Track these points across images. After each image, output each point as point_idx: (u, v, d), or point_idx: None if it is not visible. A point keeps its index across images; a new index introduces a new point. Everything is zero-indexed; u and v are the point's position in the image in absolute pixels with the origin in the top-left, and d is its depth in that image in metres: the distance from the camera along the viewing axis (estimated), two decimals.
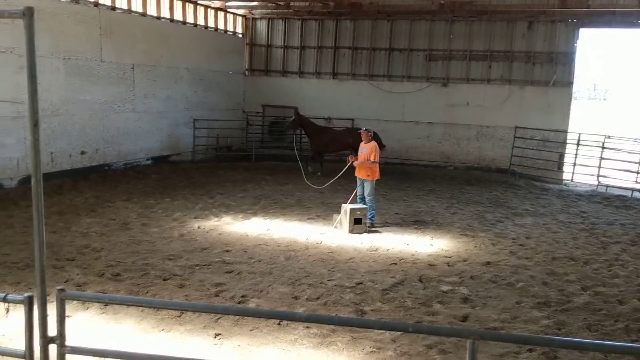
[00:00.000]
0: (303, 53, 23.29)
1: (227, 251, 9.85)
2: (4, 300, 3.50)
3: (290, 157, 21.43)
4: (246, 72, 23.86)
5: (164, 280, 8.24)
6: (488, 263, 9.78)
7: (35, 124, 3.14)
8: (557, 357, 6.32)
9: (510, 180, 19.18)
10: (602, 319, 7.46)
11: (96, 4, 16.08)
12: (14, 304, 3.58)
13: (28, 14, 2.90)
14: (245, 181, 16.64)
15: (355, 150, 17.53)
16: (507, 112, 20.68)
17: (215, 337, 6.42)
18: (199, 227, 11.40)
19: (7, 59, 13.20)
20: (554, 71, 20.38)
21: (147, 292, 7.71)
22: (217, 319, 6.85)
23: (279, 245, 10.34)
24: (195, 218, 12.14)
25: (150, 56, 18.11)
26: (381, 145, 15.58)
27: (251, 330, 6.62)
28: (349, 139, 17.75)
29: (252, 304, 7.47)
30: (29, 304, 3.41)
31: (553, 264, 9.85)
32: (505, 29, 20.86)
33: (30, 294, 3.47)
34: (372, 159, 11.81)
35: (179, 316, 6.93)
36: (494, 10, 20.13)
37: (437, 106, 21.49)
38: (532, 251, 10.64)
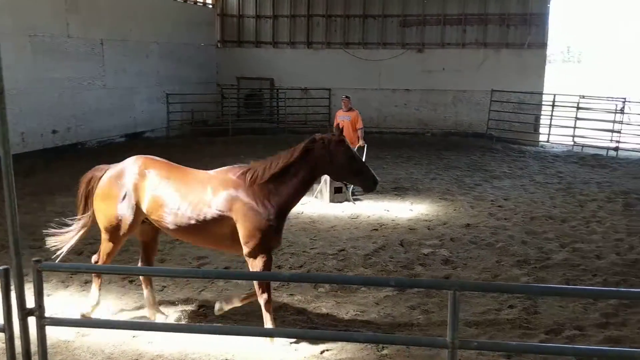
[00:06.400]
0: (276, 22, 22.91)
1: None
2: None
3: (268, 130, 21.28)
4: (218, 44, 23.41)
5: None
6: (467, 225, 9.86)
7: (0, 92, 3.01)
8: (538, 312, 6.41)
9: (488, 144, 19.28)
10: (581, 274, 7.59)
11: None
12: None
13: None
14: (223, 155, 16.42)
15: None
16: (483, 76, 20.67)
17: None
18: None
19: None
20: (528, 33, 20.39)
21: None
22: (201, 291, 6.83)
23: None
24: None
25: (119, 30, 17.64)
26: None
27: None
28: None
29: None
30: (4, 276, 3.32)
31: (531, 224, 9.97)
32: None
33: (5, 266, 3.38)
34: (358, 126, 11.71)
35: (161, 290, 6.89)
36: None
37: (414, 73, 21.39)
38: (511, 212, 10.75)
